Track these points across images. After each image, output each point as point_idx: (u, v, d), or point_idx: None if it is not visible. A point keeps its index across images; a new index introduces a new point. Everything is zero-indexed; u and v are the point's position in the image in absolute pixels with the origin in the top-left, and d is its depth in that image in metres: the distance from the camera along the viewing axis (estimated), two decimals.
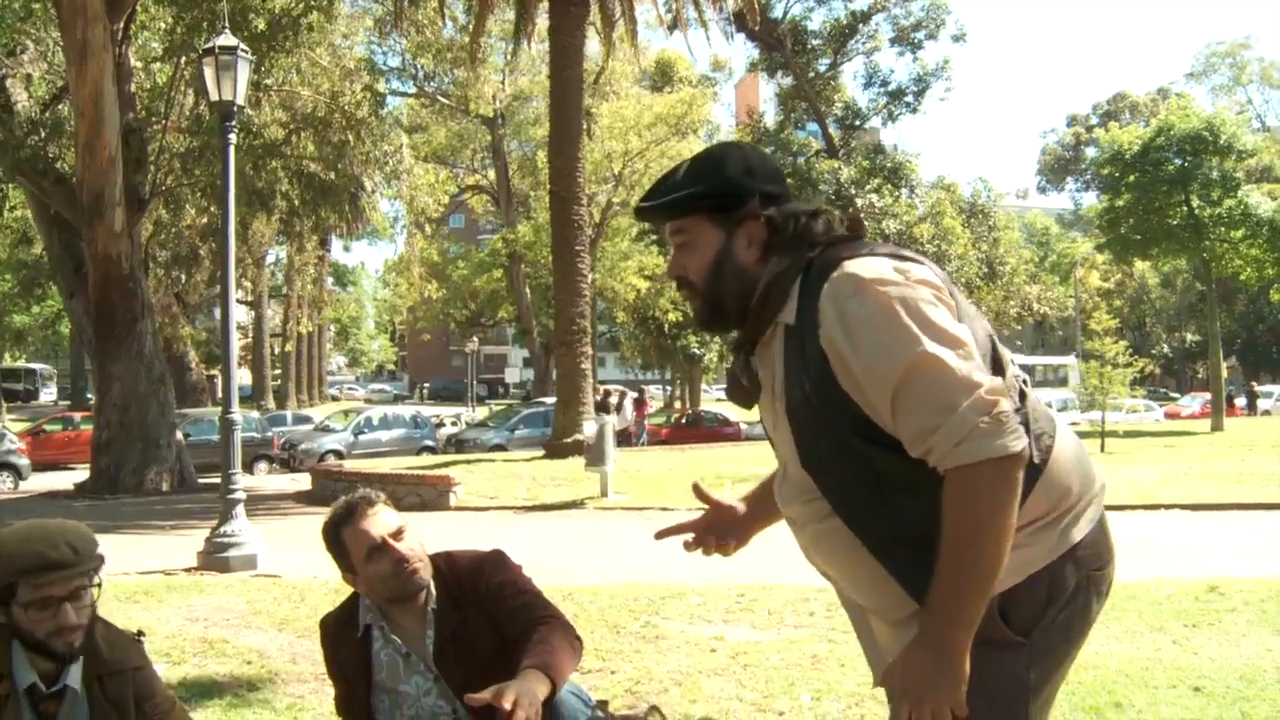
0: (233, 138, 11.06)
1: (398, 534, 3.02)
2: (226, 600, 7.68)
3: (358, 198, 26.06)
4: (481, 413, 42.76)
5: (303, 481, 19.96)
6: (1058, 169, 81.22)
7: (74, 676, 2.79)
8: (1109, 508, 2.19)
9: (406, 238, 39.08)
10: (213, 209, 21.92)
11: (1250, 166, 37.37)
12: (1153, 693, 4.97)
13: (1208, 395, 35.10)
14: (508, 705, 2.53)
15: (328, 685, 5.38)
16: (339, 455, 26.95)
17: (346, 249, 70.07)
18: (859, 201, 35.23)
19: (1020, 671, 2.00)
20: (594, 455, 14.83)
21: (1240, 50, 70.01)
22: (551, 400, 31.77)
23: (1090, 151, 63.18)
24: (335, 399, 63.19)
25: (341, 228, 27.89)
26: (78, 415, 30.72)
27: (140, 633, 3.11)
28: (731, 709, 4.82)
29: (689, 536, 2.67)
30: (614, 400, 33.13)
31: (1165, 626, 6.34)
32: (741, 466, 16.98)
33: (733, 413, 39.76)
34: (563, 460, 18.07)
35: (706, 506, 2.67)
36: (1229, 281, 37.79)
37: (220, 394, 13.15)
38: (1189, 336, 67.20)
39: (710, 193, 2.11)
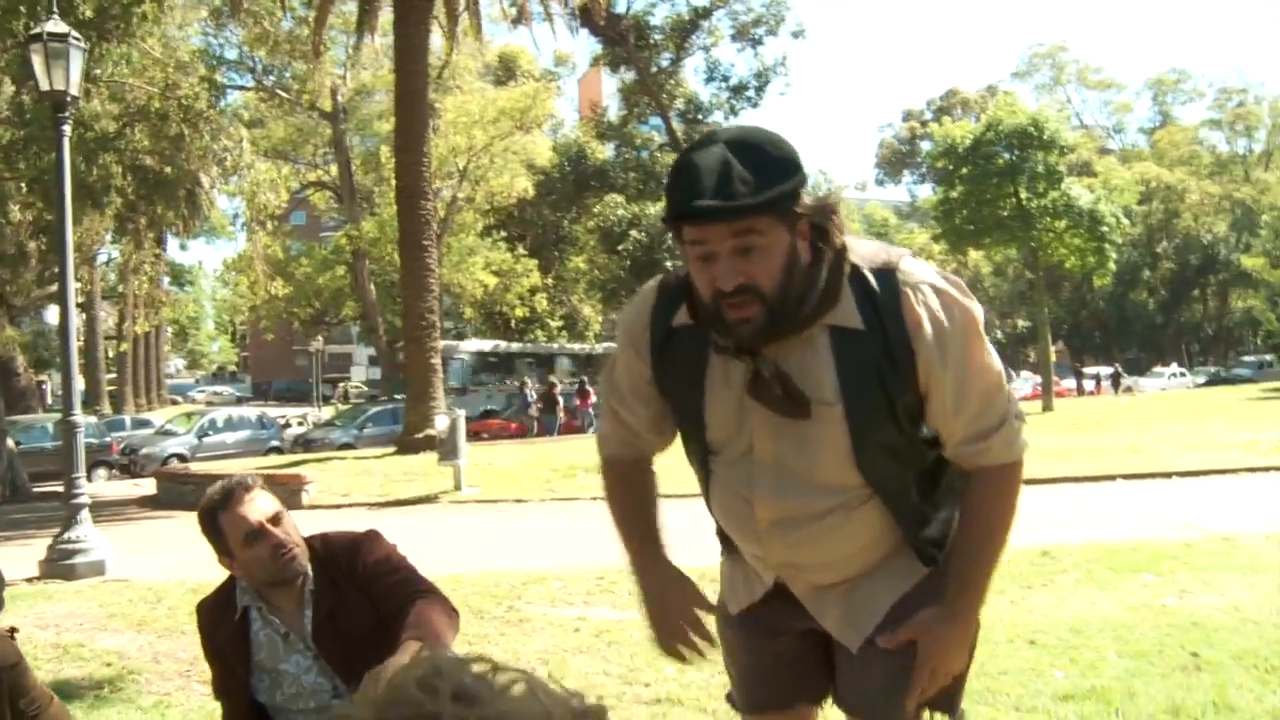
0: (67, 129, 10.72)
1: (275, 519, 3.06)
2: (77, 605, 7.52)
3: (195, 194, 25.34)
4: (328, 412, 42.10)
5: (146, 486, 19.41)
6: (895, 162, 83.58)
7: None
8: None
9: (248, 235, 38.08)
10: (39, 204, 21.06)
11: (1071, 161, 39.17)
12: (993, 647, 5.29)
13: (1038, 378, 36.71)
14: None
15: (194, 682, 5.41)
16: (183, 459, 26.24)
17: (183, 247, 68.05)
18: None
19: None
20: (447, 449, 14.81)
21: (1059, 52, 73.53)
22: (400, 398, 31.57)
23: (925, 145, 65.29)
24: (175, 402, 61.28)
25: (178, 225, 27.05)
26: None
27: (13, 630, 3.11)
28: (599, 683, 4.98)
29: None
30: (557, 392, 33.46)
31: (1004, 589, 6.72)
32: (591, 458, 17.10)
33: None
34: (415, 456, 17.96)
35: None
36: (1055, 270, 39.51)
37: (51, 399, 12.75)
38: (1020, 323, 70.00)
39: (791, 188, 1.90)
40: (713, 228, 1.88)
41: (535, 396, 33.55)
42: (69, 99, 10.68)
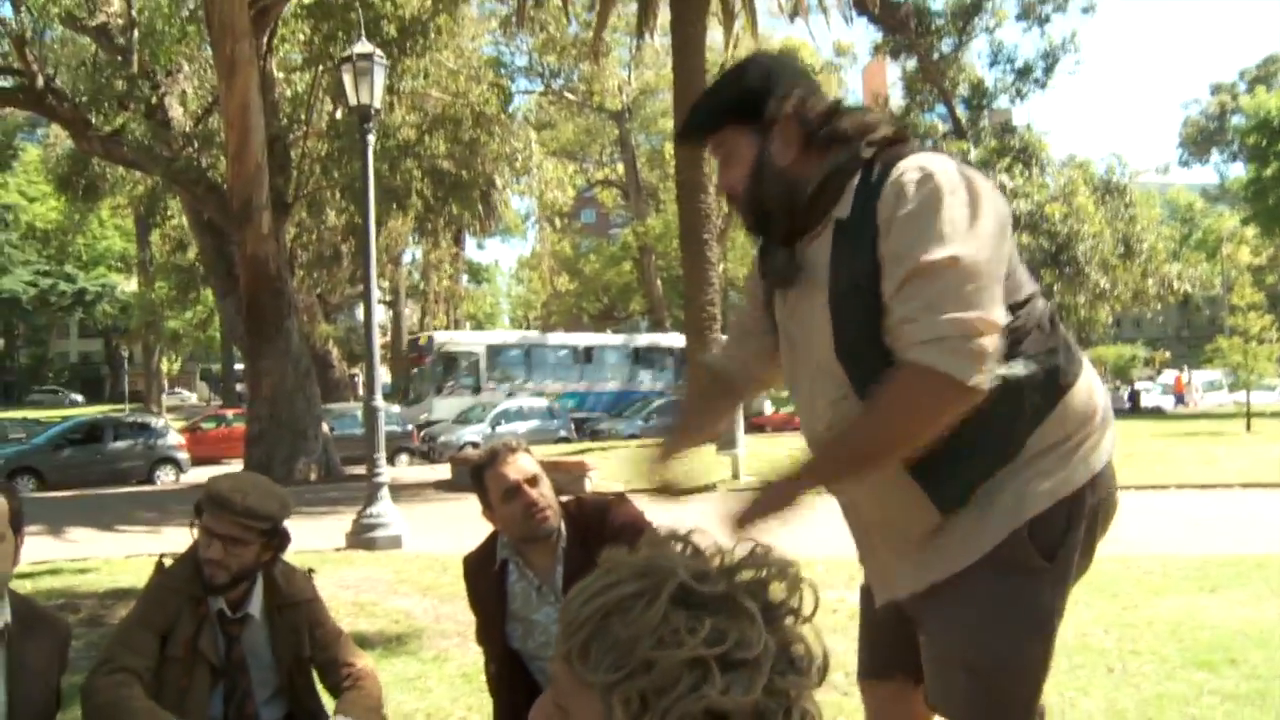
0: (371, 139, 11.64)
1: (532, 480, 3.37)
2: (374, 571, 8.21)
3: (489, 195, 26.75)
4: None
5: (442, 471, 20.66)
6: (1201, 141, 78.09)
7: (255, 605, 3.24)
8: (1247, 485, 2.34)
9: (538, 233, 39.81)
10: (351, 209, 22.82)
11: None
12: (1271, 651, 5.04)
13: None
14: None
15: (470, 641, 5.84)
16: (476, 446, 27.67)
17: (480, 246, 71.40)
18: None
19: (1048, 597, 2.04)
20: (725, 439, 15.12)
21: None
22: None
23: (1236, 120, 60.79)
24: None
25: (474, 225, 28.64)
26: (230, 413, 32.27)
27: (311, 570, 3.54)
28: (847, 661, 5.06)
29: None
30: None
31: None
32: None
33: None
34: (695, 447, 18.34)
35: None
36: None
37: (363, 389, 13.86)
38: None
39: (731, 101, 2.15)
40: (702, 148, 2.25)
41: None
42: (373, 111, 11.61)
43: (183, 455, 24.83)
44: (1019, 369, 1.98)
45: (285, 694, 3.35)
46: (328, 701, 3.49)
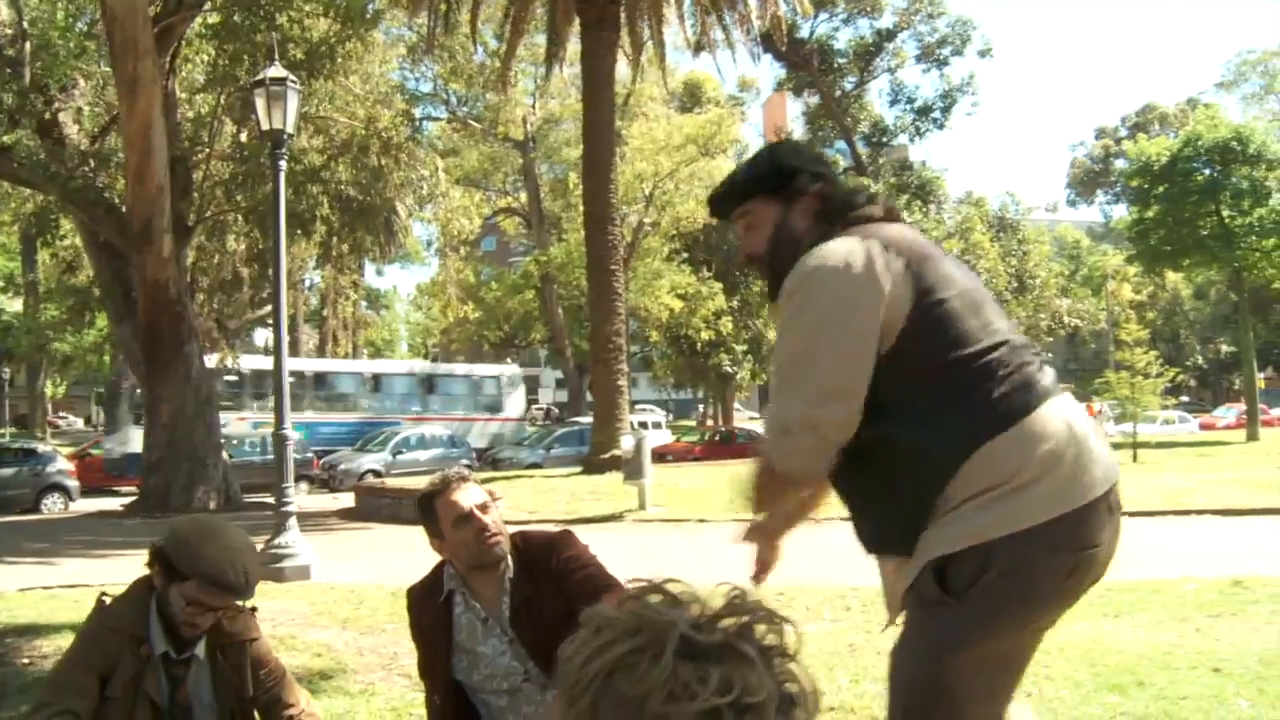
0: (283, 164, 11.52)
1: (483, 507, 3.39)
2: (289, 604, 8.07)
3: (392, 222, 26.53)
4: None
5: (344, 500, 20.38)
6: (1087, 182, 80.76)
7: (200, 646, 3.19)
8: (1136, 514, 2.50)
9: (441, 260, 39.52)
10: (254, 234, 22.44)
11: None
12: (1174, 673, 5.24)
13: (1243, 406, 34.96)
14: None
15: (395, 674, 5.80)
16: (377, 474, 27.38)
17: (379, 273, 70.73)
18: None
19: (950, 629, 2.17)
20: (632, 469, 15.17)
21: (1273, 58, 69.20)
22: (586, 420, 32.21)
23: (1120, 163, 62.94)
24: None
25: (375, 251, 28.39)
26: None
27: (254, 608, 3.49)
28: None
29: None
30: None
31: (1189, 617, 6.60)
32: None
33: None
34: (601, 475, 18.38)
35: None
36: (1263, 291, 37.65)
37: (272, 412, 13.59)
38: (1224, 348, 66.65)
39: (763, 174, 2.54)
40: (735, 216, 2.61)
41: None
42: (286, 136, 11.48)
43: (72, 483, 24.07)
44: (916, 435, 2.20)
45: None
46: None
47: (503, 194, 47.27)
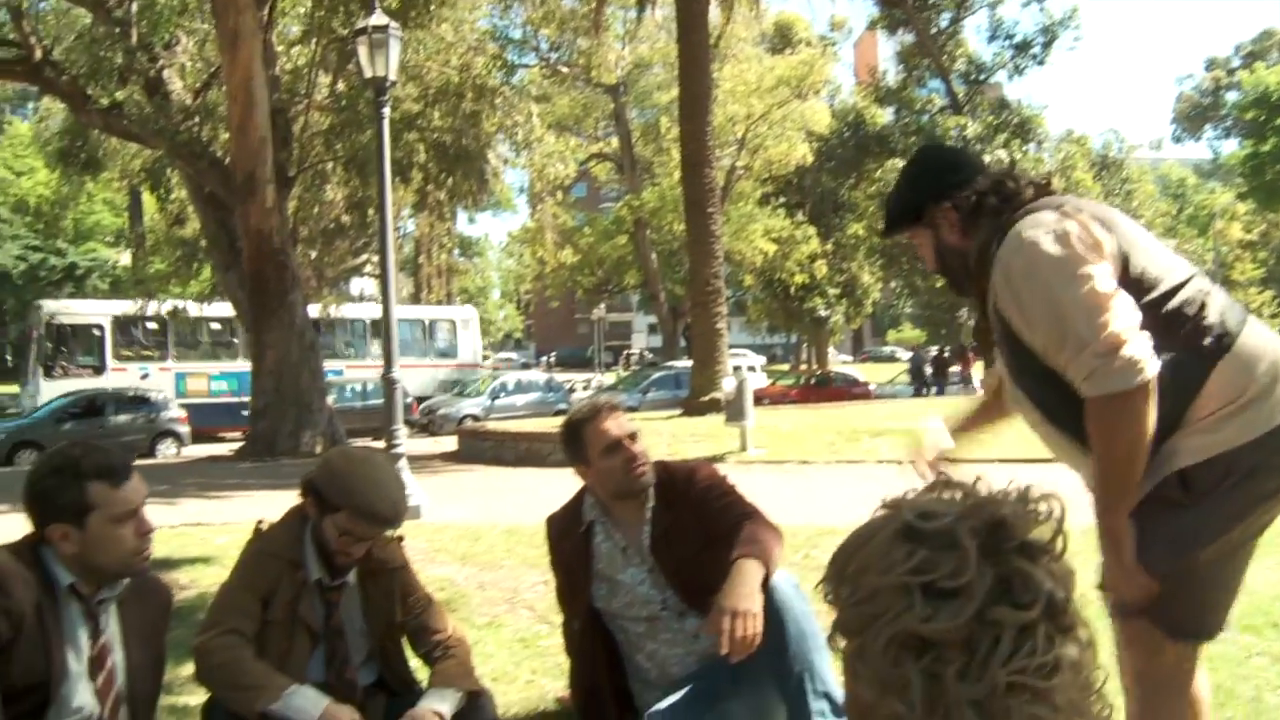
0: (387, 111, 11.63)
1: (633, 437, 3.44)
2: (406, 542, 8.23)
3: (483, 170, 26.68)
4: (610, 378, 43.41)
5: (445, 443, 20.72)
6: (1195, 117, 77.85)
7: (351, 573, 3.30)
8: None
9: (534, 207, 39.65)
10: (353, 182, 22.74)
11: None
12: None
13: None
14: (726, 628, 2.91)
15: (519, 607, 5.91)
16: (476, 419, 27.77)
17: (471, 220, 71.35)
18: (985, 158, 34.80)
19: (1188, 524, 2.42)
20: (734, 410, 15.17)
21: None
22: (680, 364, 32.28)
23: (1232, 96, 60.62)
24: None
25: (469, 199, 28.62)
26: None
27: (400, 537, 3.59)
28: None
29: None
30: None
31: None
32: (876, 422, 17.15)
33: (861, 373, 39.86)
34: (700, 418, 18.42)
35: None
36: None
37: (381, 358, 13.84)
38: None
39: (896, 218, 2.87)
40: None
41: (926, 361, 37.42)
42: (388, 83, 11.58)
43: (183, 429, 24.82)
44: (1163, 362, 2.36)
45: (376, 659, 3.42)
46: (416, 668, 3.55)
47: (594, 139, 47.23)
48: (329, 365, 26.70)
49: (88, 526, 2.61)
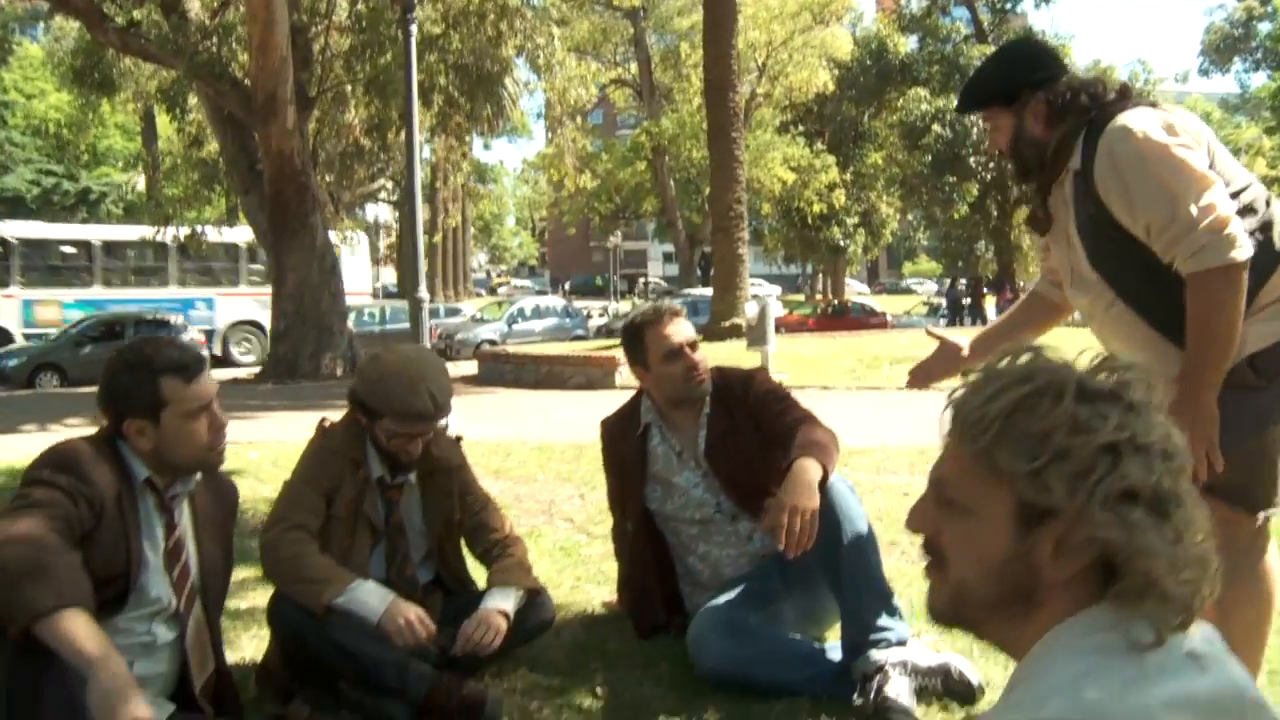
0: (414, 28, 11.55)
1: (693, 345, 3.46)
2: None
3: (501, 95, 26.43)
4: (626, 306, 43.36)
5: (465, 367, 20.77)
6: (1224, 49, 76.47)
7: (412, 472, 3.34)
8: None
9: (551, 132, 39.33)
10: (375, 104, 22.58)
11: None
12: None
13: None
14: (784, 523, 2.92)
15: (558, 519, 5.97)
16: (493, 344, 27.81)
17: (486, 146, 70.91)
18: None
19: (1259, 405, 2.59)
20: (755, 335, 15.16)
21: None
22: (697, 291, 32.22)
23: (1265, 26, 59.54)
24: (479, 294, 64.53)
25: (485, 124, 28.41)
26: None
27: (459, 437, 3.63)
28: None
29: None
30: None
31: None
32: (895, 350, 17.15)
33: (879, 304, 39.76)
34: (721, 343, 18.42)
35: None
36: None
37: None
38: None
39: (995, 90, 2.86)
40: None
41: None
42: (416, 1, 11.46)
43: (203, 352, 24.88)
44: None
45: (435, 557, 3.47)
46: (472, 566, 3.60)
47: (612, 65, 46.74)
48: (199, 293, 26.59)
49: (162, 421, 2.64)
